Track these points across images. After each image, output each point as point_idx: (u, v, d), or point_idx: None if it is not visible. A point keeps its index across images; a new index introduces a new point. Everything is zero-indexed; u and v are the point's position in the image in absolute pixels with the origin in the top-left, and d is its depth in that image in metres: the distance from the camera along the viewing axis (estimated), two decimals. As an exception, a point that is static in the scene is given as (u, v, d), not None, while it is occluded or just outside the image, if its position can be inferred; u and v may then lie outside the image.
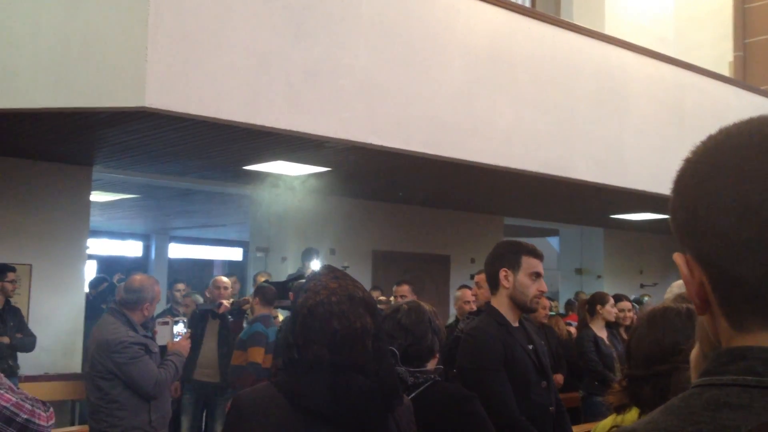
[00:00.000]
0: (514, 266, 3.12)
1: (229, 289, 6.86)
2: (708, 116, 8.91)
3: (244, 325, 6.78)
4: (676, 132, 8.83)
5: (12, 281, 6.70)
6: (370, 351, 1.91)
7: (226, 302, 6.66)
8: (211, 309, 6.77)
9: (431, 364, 2.55)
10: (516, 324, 3.14)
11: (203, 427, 7.07)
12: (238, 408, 1.96)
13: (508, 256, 3.16)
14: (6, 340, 6.40)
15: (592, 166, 7.95)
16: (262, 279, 7.56)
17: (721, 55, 12.81)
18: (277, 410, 1.87)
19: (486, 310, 3.23)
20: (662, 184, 7.99)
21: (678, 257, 0.83)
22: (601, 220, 12.29)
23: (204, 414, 7.01)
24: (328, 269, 2.08)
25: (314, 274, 2.08)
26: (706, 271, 0.79)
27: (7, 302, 6.71)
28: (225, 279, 7.10)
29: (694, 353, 0.98)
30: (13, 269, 6.73)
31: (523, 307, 3.14)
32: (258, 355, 6.11)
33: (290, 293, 4.79)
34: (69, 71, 5.22)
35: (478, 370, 2.62)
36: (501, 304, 3.13)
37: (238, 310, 6.85)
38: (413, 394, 2.44)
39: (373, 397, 1.88)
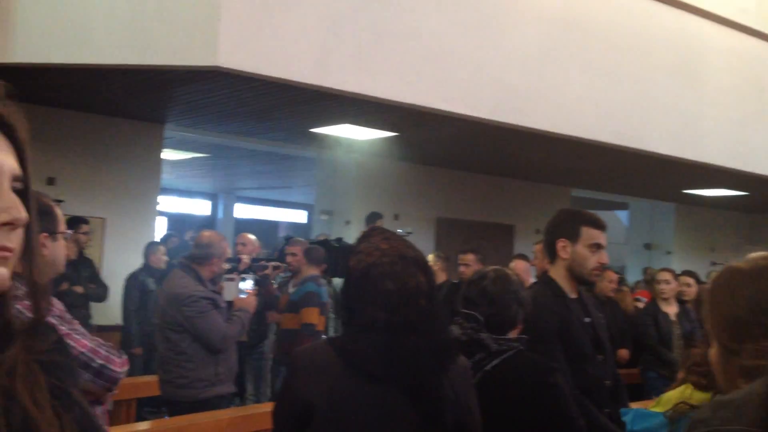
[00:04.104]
0: (573, 237, 3.00)
1: (248, 246, 6.66)
2: (790, 90, 8.56)
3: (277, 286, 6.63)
4: (756, 106, 8.51)
5: (85, 233, 6.90)
6: (425, 310, 1.91)
7: (245, 258, 6.41)
8: (234, 266, 6.64)
9: (513, 334, 2.52)
10: (574, 296, 3.04)
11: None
12: (295, 365, 1.98)
13: (567, 225, 3.05)
14: (80, 289, 6.62)
15: (666, 138, 7.72)
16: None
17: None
18: (332, 369, 1.89)
19: (541, 281, 3.15)
20: (740, 159, 7.75)
21: None
22: (673, 195, 11.98)
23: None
24: (378, 230, 2.07)
25: (364, 236, 2.07)
26: None
27: (81, 254, 6.92)
28: (248, 236, 6.87)
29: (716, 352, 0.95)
30: (86, 221, 6.93)
31: (580, 279, 3.03)
32: (312, 316, 5.84)
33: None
34: (144, 29, 5.30)
35: (531, 341, 2.58)
36: (558, 275, 3.03)
37: (258, 267, 6.61)
38: (496, 361, 2.43)
39: (426, 356, 1.88)
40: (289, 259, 6.34)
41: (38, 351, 0.95)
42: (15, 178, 0.91)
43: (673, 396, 2.40)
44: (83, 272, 6.78)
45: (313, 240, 7.67)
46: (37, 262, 0.94)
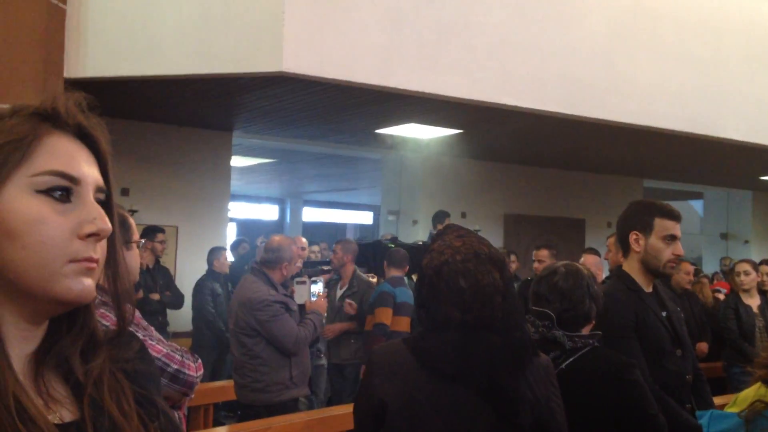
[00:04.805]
0: (646, 229, 2.92)
1: (304, 250, 6.56)
2: None
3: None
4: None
5: (161, 242, 7.05)
6: (500, 307, 1.87)
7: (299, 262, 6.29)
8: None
9: (586, 330, 2.46)
10: (649, 289, 2.96)
11: None
12: (371, 363, 1.98)
13: (640, 217, 2.96)
14: (156, 296, 6.77)
15: (741, 125, 7.47)
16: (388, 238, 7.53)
17: None
18: (406, 369, 1.87)
19: (615, 275, 3.06)
20: (817, 141, 7.24)
21: None
22: (749, 182, 11.60)
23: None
24: (452, 228, 2.03)
25: (438, 234, 2.04)
26: None
27: (157, 262, 7.08)
28: (300, 239, 6.84)
29: None
30: (162, 230, 7.09)
31: (655, 272, 2.93)
32: (385, 316, 5.83)
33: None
34: (210, 39, 5.38)
35: (606, 337, 2.51)
36: (632, 268, 2.95)
37: (315, 271, 6.36)
38: (572, 359, 2.37)
39: (501, 355, 1.84)
40: (331, 257, 6.30)
41: (123, 360, 0.96)
42: (99, 189, 0.92)
43: (748, 395, 2.29)
44: (160, 280, 6.93)
45: (361, 240, 7.56)
46: (121, 272, 0.95)
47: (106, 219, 0.90)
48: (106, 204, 0.93)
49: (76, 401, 0.89)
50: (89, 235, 0.88)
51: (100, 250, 0.90)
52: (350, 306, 6.03)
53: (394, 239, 7.64)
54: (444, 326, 1.86)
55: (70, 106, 0.92)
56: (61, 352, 0.91)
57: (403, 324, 5.85)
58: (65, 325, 0.92)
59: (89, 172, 0.91)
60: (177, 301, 7.06)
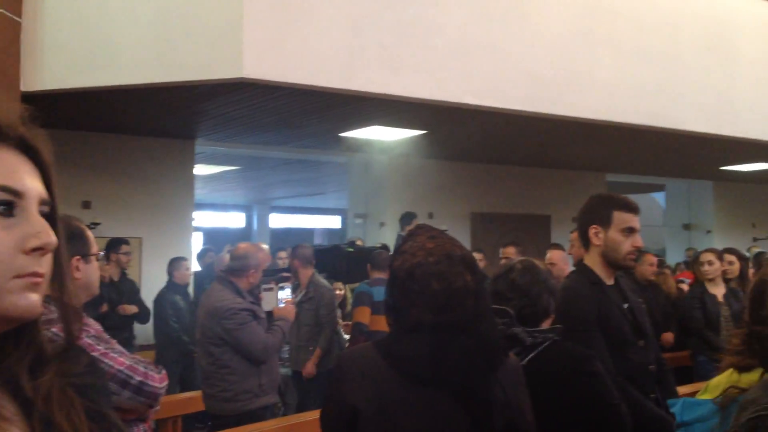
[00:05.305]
0: (605, 222, 2.95)
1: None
2: (827, 57, 8.34)
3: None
4: (791, 76, 8.31)
5: (126, 253, 6.95)
6: (472, 309, 1.86)
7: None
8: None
9: (545, 324, 2.47)
10: (611, 282, 2.99)
11: None
12: (339, 368, 1.96)
13: (598, 211, 2.99)
14: (134, 309, 6.64)
15: (700, 116, 7.58)
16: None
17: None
18: (378, 373, 1.85)
19: (577, 269, 3.10)
20: (777, 131, 7.39)
21: None
22: (710, 173, 11.77)
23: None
24: (422, 229, 2.02)
25: (410, 235, 2.02)
26: None
27: (123, 274, 6.99)
28: (262, 246, 6.76)
29: None
30: (126, 242, 6.99)
31: (616, 265, 2.97)
32: (362, 315, 5.90)
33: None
34: (168, 47, 5.33)
35: (569, 331, 2.53)
36: (593, 262, 2.98)
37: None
38: (532, 354, 2.37)
39: (474, 357, 1.84)
40: (281, 264, 6.21)
41: (72, 374, 0.94)
42: (42, 202, 0.90)
43: (721, 381, 2.31)
44: (126, 293, 6.82)
45: (317, 246, 7.52)
46: (68, 285, 0.93)
47: (51, 232, 0.87)
48: (51, 216, 0.90)
49: (26, 419, 0.87)
50: (34, 250, 0.86)
51: (46, 265, 0.87)
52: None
53: (351, 243, 7.61)
54: (416, 329, 1.85)
55: (11, 118, 0.90)
56: (9, 369, 0.88)
57: (383, 323, 5.80)
58: (12, 342, 0.89)
59: (32, 185, 0.89)
60: (144, 316, 6.94)
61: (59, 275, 0.92)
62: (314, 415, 4.27)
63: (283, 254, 8.84)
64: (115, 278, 6.81)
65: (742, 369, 2.15)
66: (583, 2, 6.84)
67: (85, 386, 0.94)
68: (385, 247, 7.21)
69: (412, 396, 1.83)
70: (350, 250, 6.73)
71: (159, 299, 7.14)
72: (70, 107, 6.14)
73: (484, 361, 1.86)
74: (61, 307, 0.93)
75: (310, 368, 5.87)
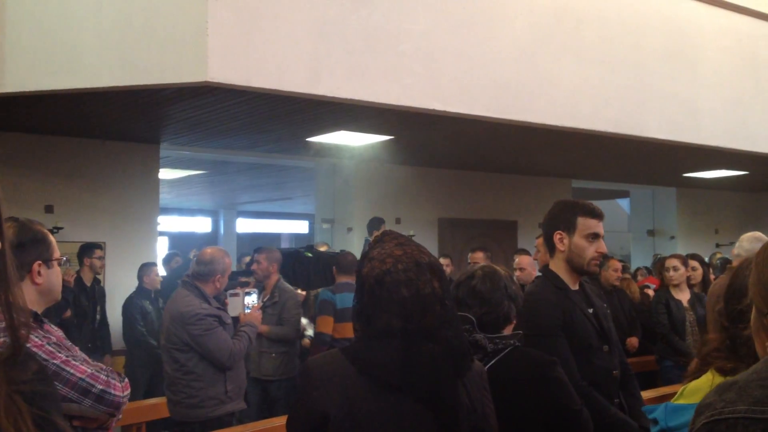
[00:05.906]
0: (570, 228, 2.99)
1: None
2: (785, 66, 8.52)
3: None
4: (752, 84, 8.47)
5: (99, 258, 6.89)
6: (440, 316, 1.87)
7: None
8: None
9: (507, 330, 2.49)
10: (575, 287, 3.03)
11: None
12: (307, 374, 1.94)
13: (562, 217, 3.03)
14: (88, 317, 6.57)
15: (663, 124, 7.69)
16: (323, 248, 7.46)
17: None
18: (346, 379, 1.85)
19: (543, 274, 3.12)
20: (738, 139, 7.68)
21: None
22: (673, 180, 11.95)
23: None
24: (390, 235, 2.03)
25: (377, 241, 2.03)
26: None
27: (96, 280, 6.91)
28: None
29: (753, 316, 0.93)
30: (99, 246, 6.91)
31: (580, 270, 3.01)
32: (325, 325, 5.85)
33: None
34: (132, 49, 5.27)
35: (535, 336, 2.55)
36: (558, 267, 3.02)
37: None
38: (494, 361, 2.39)
39: (442, 363, 1.85)
40: (254, 267, 6.13)
41: (20, 382, 0.92)
42: None
43: (702, 385, 2.32)
44: (99, 299, 6.76)
45: (284, 249, 7.46)
46: (14, 291, 0.91)
47: None
48: None
49: None
50: None
51: None
52: None
53: (309, 247, 7.55)
54: (385, 335, 1.85)
55: None
56: None
57: (348, 330, 5.69)
58: None
59: None
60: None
61: (4, 281, 0.90)
62: (281, 420, 4.26)
63: (248, 259, 8.78)
64: (88, 283, 6.75)
65: (726, 372, 2.17)
66: (549, 10, 6.90)
67: (33, 393, 0.93)
68: (342, 252, 7.17)
69: (381, 402, 1.83)
70: (308, 255, 6.67)
71: (127, 304, 7.09)
72: (33, 110, 6.04)
73: (451, 367, 1.87)
74: (7, 315, 0.91)
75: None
